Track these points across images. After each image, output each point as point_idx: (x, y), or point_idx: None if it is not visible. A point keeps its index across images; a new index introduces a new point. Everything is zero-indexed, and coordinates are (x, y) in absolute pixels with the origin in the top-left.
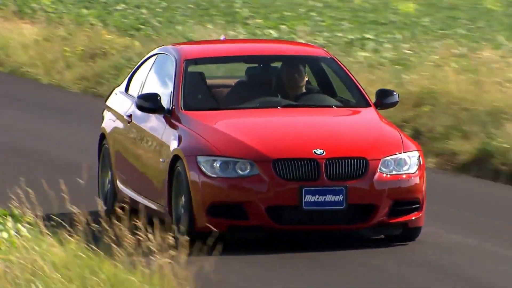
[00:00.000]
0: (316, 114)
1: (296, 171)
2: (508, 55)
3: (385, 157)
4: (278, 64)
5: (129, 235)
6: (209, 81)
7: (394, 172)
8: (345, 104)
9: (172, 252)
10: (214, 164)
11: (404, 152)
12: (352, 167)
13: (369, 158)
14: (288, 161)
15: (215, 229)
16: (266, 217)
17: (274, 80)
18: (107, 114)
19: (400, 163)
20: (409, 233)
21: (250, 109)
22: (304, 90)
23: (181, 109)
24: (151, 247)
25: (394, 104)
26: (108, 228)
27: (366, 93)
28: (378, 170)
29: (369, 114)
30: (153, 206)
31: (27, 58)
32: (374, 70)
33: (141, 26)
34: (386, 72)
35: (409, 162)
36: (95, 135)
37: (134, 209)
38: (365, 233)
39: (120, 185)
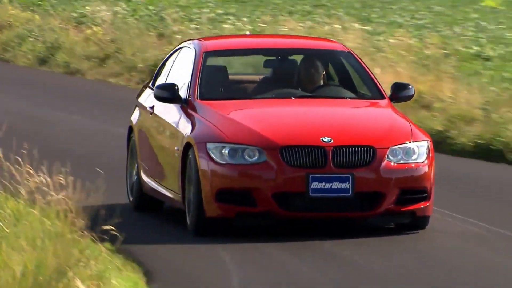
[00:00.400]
0: (328, 104)
1: (303, 158)
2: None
3: (393, 146)
4: (295, 57)
5: (30, 178)
6: (236, 77)
7: (402, 161)
8: (360, 96)
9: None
10: (223, 151)
11: (413, 142)
12: (359, 155)
13: (376, 147)
14: (295, 148)
15: (223, 215)
16: (273, 203)
17: (292, 73)
18: (136, 109)
19: (408, 152)
20: (418, 222)
21: (265, 99)
22: (321, 84)
23: (197, 98)
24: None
25: (409, 97)
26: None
27: (381, 86)
28: (386, 159)
29: (381, 106)
30: (170, 195)
31: None
32: None
33: (40, 3)
34: None
35: (417, 152)
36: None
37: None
38: (374, 221)
39: (143, 175)
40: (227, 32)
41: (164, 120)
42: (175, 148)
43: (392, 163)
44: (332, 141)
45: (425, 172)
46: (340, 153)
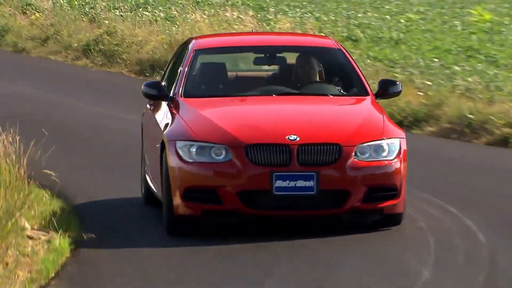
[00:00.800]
0: (305, 102)
1: (267, 157)
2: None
3: (362, 143)
4: (285, 55)
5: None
6: (244, 73)
7: (371, 159)
8: (344, 93)
9: None
10: (191, 149)
11: (383, 139)
12: (324, 153)
13: (343, 145)
14: (260, 147)
15: (190, 213)
16: (238, 201)
17: (282, 70)
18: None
19: (378, 150)
20: (389, 219)
21: (246, 97)
22: (315, 80)
23: (181, 96)
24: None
25: (397, 93)
26: None
27: (367, 83)
28: (353, 157)
29: (361, 103)
30: (157, 192)
31: None
32: (152, 24)
33: None
34: (160, 26)
35: (388, 149)
36: None
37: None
38: (346, 218)
39: (144, 173)
40: (145, 19)
41: (154, 117)
42: (157, 145)
43: (359, 161)
44: (298, 139)
45: (395, 170)
46: (305, 151)
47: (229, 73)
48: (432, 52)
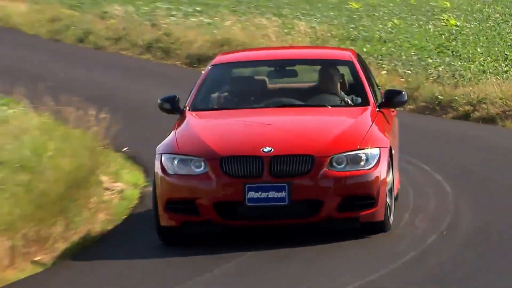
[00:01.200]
0: (296, 113)
1: (240, 169)
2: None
3: (337, 154)
4: (297, 68)
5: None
6: (278, 86)
7: (347, 169)
8: (346, 104)
9: None
10: (174, 162)
11: (361, 149)
12: (297, 164)
13: (316, 155)
14: (234, 159)
15: (171, 225)
16: (214, 212)
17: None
18: None
19: (355, 160)
20: (366, 228)
21: (247, 109)
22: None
23: (189, 109)
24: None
25: (402, 103)
26: None
27: (372, 94)
28: (327, 167)
29: (355, 113)
30: None
31: None
32: (199, 27)
33: (80, 4)
34: (205, 28)
35: (365, 158)
36: None
37: None
38: (323, 225)
39: None
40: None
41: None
42: None
43: (334, 171)
44: (272, 150)
45: (370, 180)
46: (277, 163)
47: (269, 85)
48: (411, 49)
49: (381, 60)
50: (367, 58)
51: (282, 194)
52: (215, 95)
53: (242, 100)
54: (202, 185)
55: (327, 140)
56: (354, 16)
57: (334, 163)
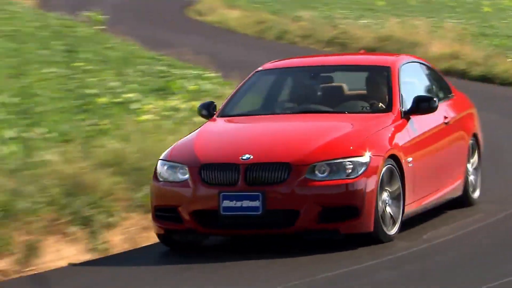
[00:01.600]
0: (308, 120)
1: (217, 176)
2: None
3: (319, 162)
4: (336, 74)
5: None
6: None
7: (328, 178)
8: (369, 110)
9: None
10: (164, 168)
11: (346, 158)
12: (272, 172)
13: (293, 163)
14: (212, 166)
15: (159, 232)
16: (193, 221)
17: (326, 88)
18: None
19: (339, 169)
20: (350, 239)
21: (267, 115)
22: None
23: (218, 115)
24: None
25: (431, 109)
26: None
27: (399, 100)
28: (306, 176)
29: (367, 120)
30: None
31: None
32: (366, 27)
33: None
34: (371, 27)
35: (351, 168)
36: None
37: None
38: (306, 236)
39: None
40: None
41: None
42: None
43: (313, 180)
44: (250, 158)
45: (353, 189)
46: (253, 171)
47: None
48: None
49: (507, 51)
50: (495, 50)
51: (256, 203)
52: (249, 100)
53: (270, 106)
54: (182, 192)
55: (310, 148)
56: (486, 17)
57: (316, 172)
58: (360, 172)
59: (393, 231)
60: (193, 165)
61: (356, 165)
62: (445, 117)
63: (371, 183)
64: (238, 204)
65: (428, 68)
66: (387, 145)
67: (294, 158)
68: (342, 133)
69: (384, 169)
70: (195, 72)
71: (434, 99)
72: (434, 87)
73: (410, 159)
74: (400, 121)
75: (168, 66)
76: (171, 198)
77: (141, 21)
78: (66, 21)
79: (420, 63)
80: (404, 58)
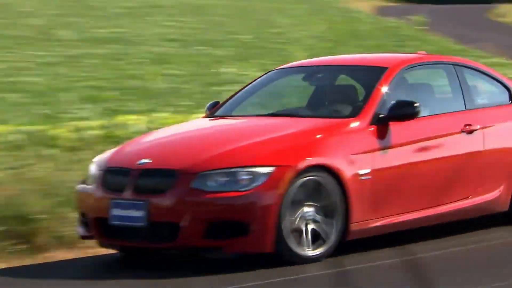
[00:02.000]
0: (258, 123)
1: (112, 182)
2: None
3: (208, 170)
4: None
5: None
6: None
7: (218, 189)
8: (336, 115)
9: None
10: (92, 171)
11: (244, 167)
12: (158, 181)
13: (179, 171)
14: (110, 171)
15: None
16: (93, 228)
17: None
18: None
19: (233, 180)
20: (243, 257)
21: (238, 117)
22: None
23: (211, 115)
24: None
25: (410, 115)
26: None
27: (375, 105)
28: (193, 185)
29: (317, 125)
30: None
31: None
32: None
33: None
34: None
35: (248, 179)
36: None
37: None
38: (208, 255)
39: None
40: None
41: None
42: None
43: (200, 191)
44: (146, 163)
45: (244, 203)
46: (142, 178)
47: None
48: None
49: None
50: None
51: (140, 213)
52: (249, 100)
53: (254, 107)
54: (87, 198)
55: (206, 154)
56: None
57: (208, 182)
58: (257, 184)
59: (319, 251)
60: (100, 168)
61: (256, 176)
62: (467, 125)
63: (269, 197)
64: (125, 213)
65: (475, 70)
66: (317, 155)
67: (181, 166)
68: (261, 139)
69: (299, 181)
70: (495, 60)
71: (415, 104)
72: (463, 92)
73: (364, 171)
74: (367, 128)
75: (473, 57)
76: (81, 203)
77: (453, 22)
78: (393, 23)
79: (458, 65)
80: (415, 60)
